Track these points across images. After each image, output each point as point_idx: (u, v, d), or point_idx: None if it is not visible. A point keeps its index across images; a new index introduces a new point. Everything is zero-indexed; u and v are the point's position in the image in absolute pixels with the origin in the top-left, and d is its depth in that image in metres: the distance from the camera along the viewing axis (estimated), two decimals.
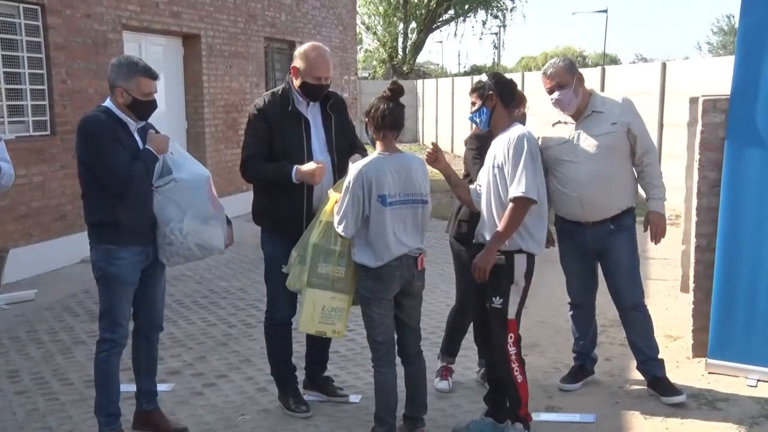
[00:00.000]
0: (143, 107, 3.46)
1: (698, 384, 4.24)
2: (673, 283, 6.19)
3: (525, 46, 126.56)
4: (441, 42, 57.43)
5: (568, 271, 4.26)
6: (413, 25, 30.15)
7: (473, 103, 3.64)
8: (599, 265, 4.17)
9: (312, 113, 3.83)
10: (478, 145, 3.93)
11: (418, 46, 30.57)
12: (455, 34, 36.92)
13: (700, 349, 4.53)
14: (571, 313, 4.33)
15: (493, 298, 3.49)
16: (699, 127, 4.53)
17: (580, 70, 4.14)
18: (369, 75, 33.45)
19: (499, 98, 3.54)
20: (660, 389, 4.05)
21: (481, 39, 53.10)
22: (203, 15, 9.71)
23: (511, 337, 3.51)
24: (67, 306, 6.02)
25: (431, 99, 21.86)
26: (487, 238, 3.50)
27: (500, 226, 3.41)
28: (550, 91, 3.93)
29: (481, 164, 3.84)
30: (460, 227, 4.03)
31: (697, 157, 4.57)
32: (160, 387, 3.97)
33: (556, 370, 4.49)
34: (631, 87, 10.82)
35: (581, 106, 3.95)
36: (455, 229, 4.07)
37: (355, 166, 3.38)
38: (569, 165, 3.96)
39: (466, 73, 35.29)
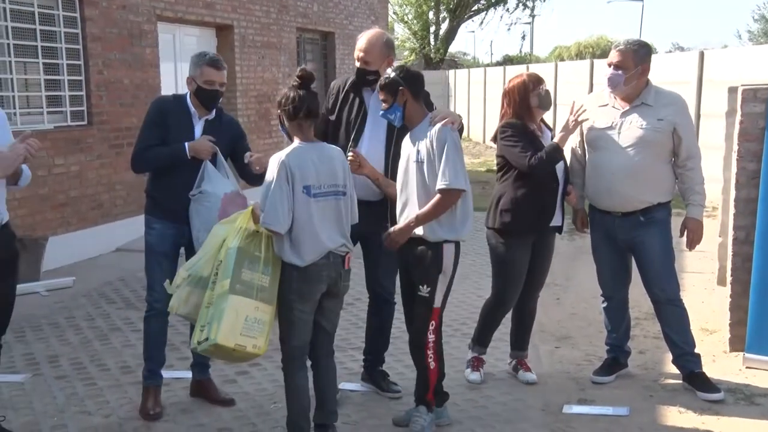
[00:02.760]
0: (205, 95, 3.73)
1: (735, 379, 4.17)
2: (709, 276, 6.09)
3: (558, 36, 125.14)
4: (473, 32, 56.88)
5: (599, 261, 4.22)
6: (444, 14, 29.96)
7: (384, 101, 3.52)
8: (633, 258, 4.12)
9: (376, 101, 3.74)
10: (512, 132, 3.91)
11: (450, 35, 30.36)
12: (482, 23, 36.44)
13: (737, 343, 4.46)
14: (603, 305, 4.29)
15: (421, 287, 3.50)
16: (738, 117, 4.45)
17: None
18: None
19: (409, 92, 3.46)
20: (697, 384, 3.99)
21: (509, 29, 52.70)
22: (236, 5, 9.76)
23: (432, 325, 3.53)
24: (104, 293, 6.13)
25: (463, 89, 21.75)
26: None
27: (424, 211, 3.43)
28: (609, 65, 3.92)
29: (522, 149, 3.83)
30: (503, 217, 3.96)
31: (735, 147, 4.49)
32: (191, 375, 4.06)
33: (588, 363, 4.45)
34: (667, 77, 10.61)
35: (632, 95, 3.91)
36: (498, 220, 3.98)
37: (275, 157, 3.21)
38: (605, 152, 3.94)
39: (498, 63, 34.98)
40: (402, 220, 3.54)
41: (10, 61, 6.53)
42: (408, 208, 3.53)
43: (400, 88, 3.45)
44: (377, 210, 3.75)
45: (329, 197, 3.26)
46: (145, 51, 8.04)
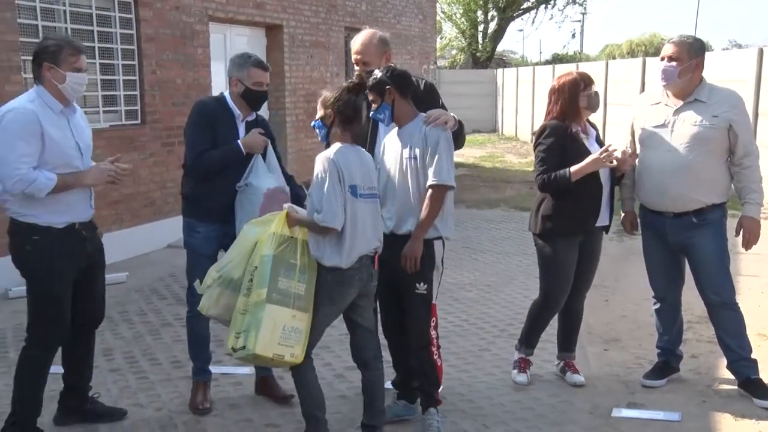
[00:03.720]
0: (254, 96, 3.74)
1: None
2: (766, 279, 5.93)
3: (609, 34, 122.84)
4: (522, 30, 56.11)
5: (650, 262, 4.13)
6: (493, 12, 29.71)
7: (373, 101, 3.53)
8: (686, 260, 4.02)
9: None
10: (546, 138, 3.86)
11: (498, 34, 30.08)
12: (533, 22, 36.09)
13: None
14: (655, 307, 4.19)
15: (418, 285, 3.49)
16: None
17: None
18: (448, 64, 33.21)
19: (397, 91, 3.48)
20: (753, 391, 3.88)
21: (559, 28, 52.17)
22: (286, 5, 9.87)
23: (432, 321, 3.54)
24: (155, 289, 6.27)
25: (511, 88, 21.52)
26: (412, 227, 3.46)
27: (423, 214, 3.42)
28: (662, 59, 3.85)
29: (540, 162, 3.80)
30: (545, 223, 3.93)
31: None
32: (240, 370, 4.16)
33: (638, 366, 4.36)
34: (724, 75, 10.31)
35: (686, 91, 3.83)
36: (540, 226, 3.95)
37: (323, 156, 3.23)
38: (657, 151, 3.86)
39: (547, 62, 34.53)
40: (385, 217, 3.50)
41: None
42: (390, 203, 3.51)
43: (387, 87, 3.48)
44: None
45: (369, 199, 3.32)
46: (197, 51, 8.19)
